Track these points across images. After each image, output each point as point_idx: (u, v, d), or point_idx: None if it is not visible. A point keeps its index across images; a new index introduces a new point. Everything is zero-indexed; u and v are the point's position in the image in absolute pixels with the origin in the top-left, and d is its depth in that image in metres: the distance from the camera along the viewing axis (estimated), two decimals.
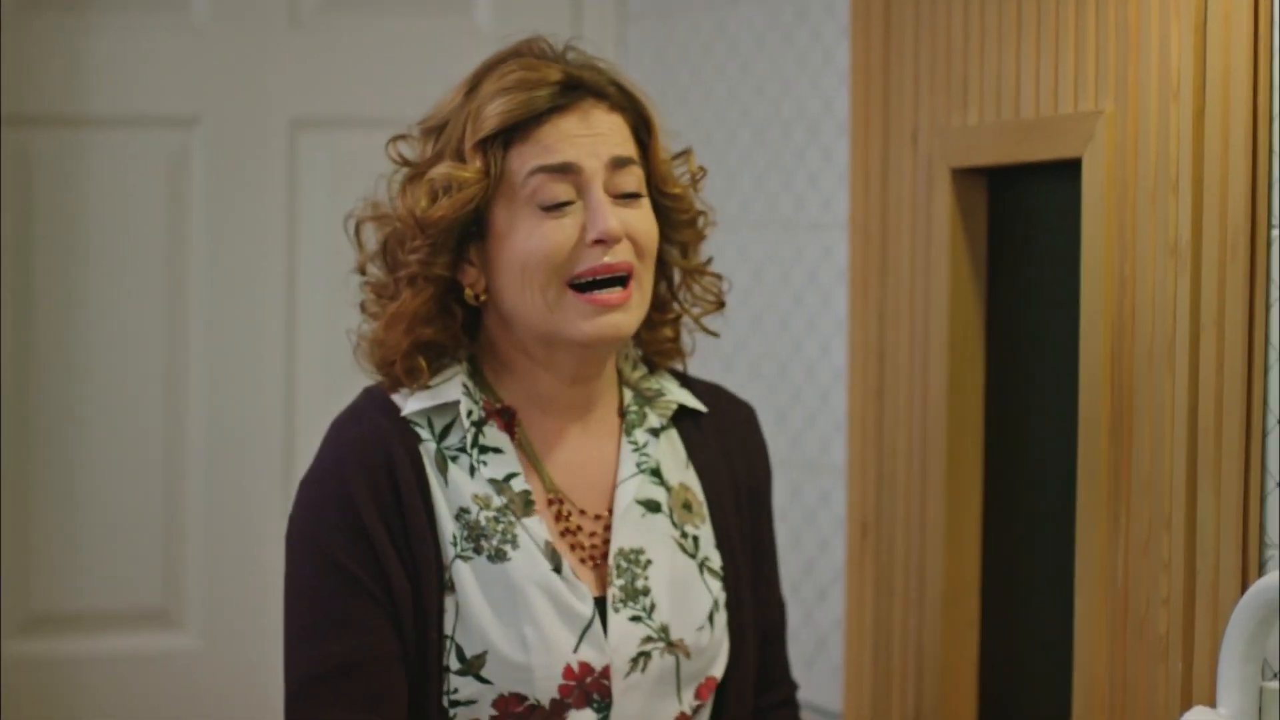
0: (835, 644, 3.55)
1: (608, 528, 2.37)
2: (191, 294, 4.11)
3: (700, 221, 2.45)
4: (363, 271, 2.41)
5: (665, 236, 2.39)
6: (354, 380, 4.08)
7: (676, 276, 2.47)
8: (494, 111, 2.27)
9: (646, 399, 2.47)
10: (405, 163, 2.38)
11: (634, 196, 2.31)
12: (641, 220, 2.31)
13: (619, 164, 2.29)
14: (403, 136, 2.41)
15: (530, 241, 2.26)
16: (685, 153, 2.46)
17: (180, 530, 4.12)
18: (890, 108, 3.25)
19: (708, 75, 3.93)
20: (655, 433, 2.44)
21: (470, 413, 2.32)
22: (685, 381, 2.56)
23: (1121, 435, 2.64)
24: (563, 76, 2.30)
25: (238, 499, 4.14)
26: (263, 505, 4.13)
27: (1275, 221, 2.40)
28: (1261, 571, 2.43)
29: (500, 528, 2.29)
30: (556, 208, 2.26)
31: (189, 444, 4.11)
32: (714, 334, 2.52)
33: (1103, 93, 2.66)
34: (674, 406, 2.48)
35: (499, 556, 2.28)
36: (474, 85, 2.34)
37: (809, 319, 3.63)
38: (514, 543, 2.29)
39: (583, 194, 2.27)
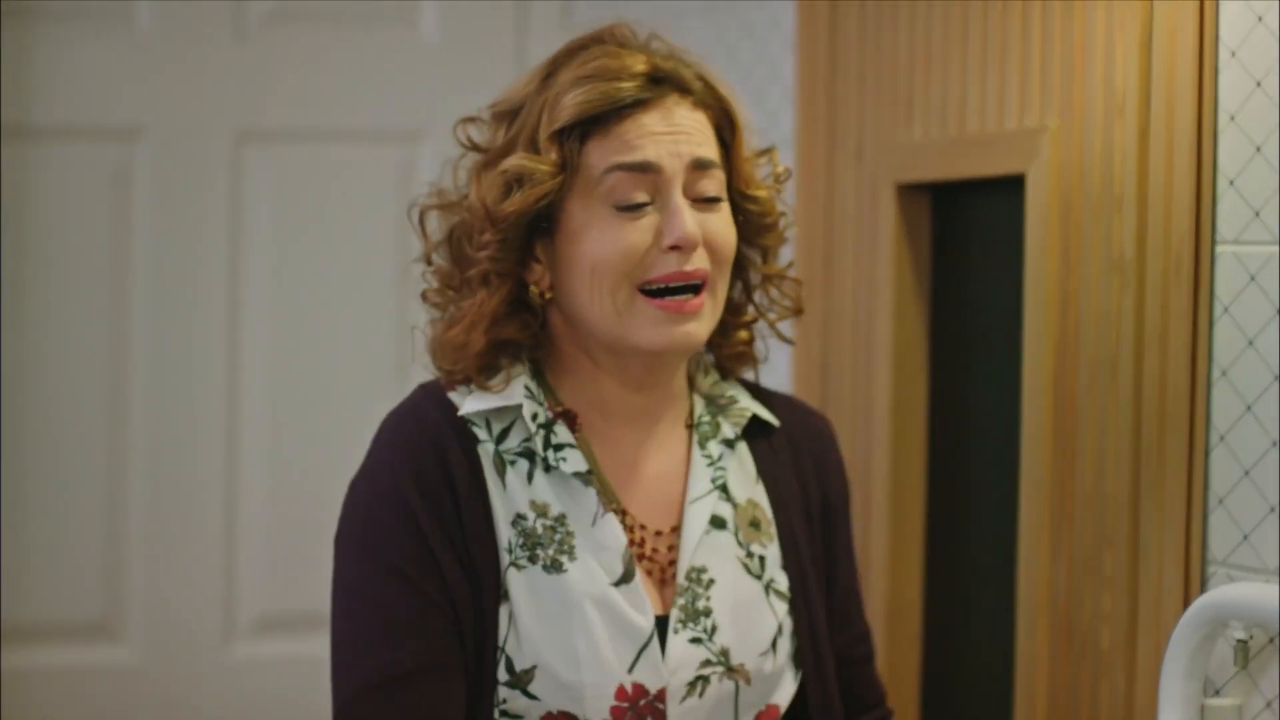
0: None
1: (671, 546, 2.20)
2: (134, 306, 4.04)
3: (781, 224, 2.30)
4: (428, 261, 2.25)
5: (744, 239, 2.25)
6: (298, 393, 4.06)
7: (754, 279, 2.32)
8: (572, 101, 2.11)
9: (719, 408, 2.32)
10: (474, 147, 2.22)
11: (714, 201, 2.15)
12: (720, 226, 2.16)
13: (700, 166, 2.14)
14: (472, 119, 2.23)
15: (603, 242, 2.10)
16: (768, 151, 2.30)
17: (121, 542, 4.03)
18: (835, 123, 3.23)
19: None
20: (729, 444, 2.28)
21: (535, 415, 2.16)
22: (757, 391, 2.40)
23: (1064, 451, 2.62)
24: (647, 68, 2.15)
25: (180, 510, 4.07)
26: (205, 517, 4.06)
27: (1219, 238, 2.38)
28: (1204, 588, 2.40)
29: (557, 537, 2.13)
30: (632, 208, 2.11)
31: (132, 456, 4.05)
32: (789, 340, 2.37)
33: (1047, 109, 2.64)
34: (747, 416, 2.30)
35: (554, 567, 2.11)
36: (552, 70, 2.17)
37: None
38: (571, 554, 2.12)
39: (660, 195, 2.11)
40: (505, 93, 2.20)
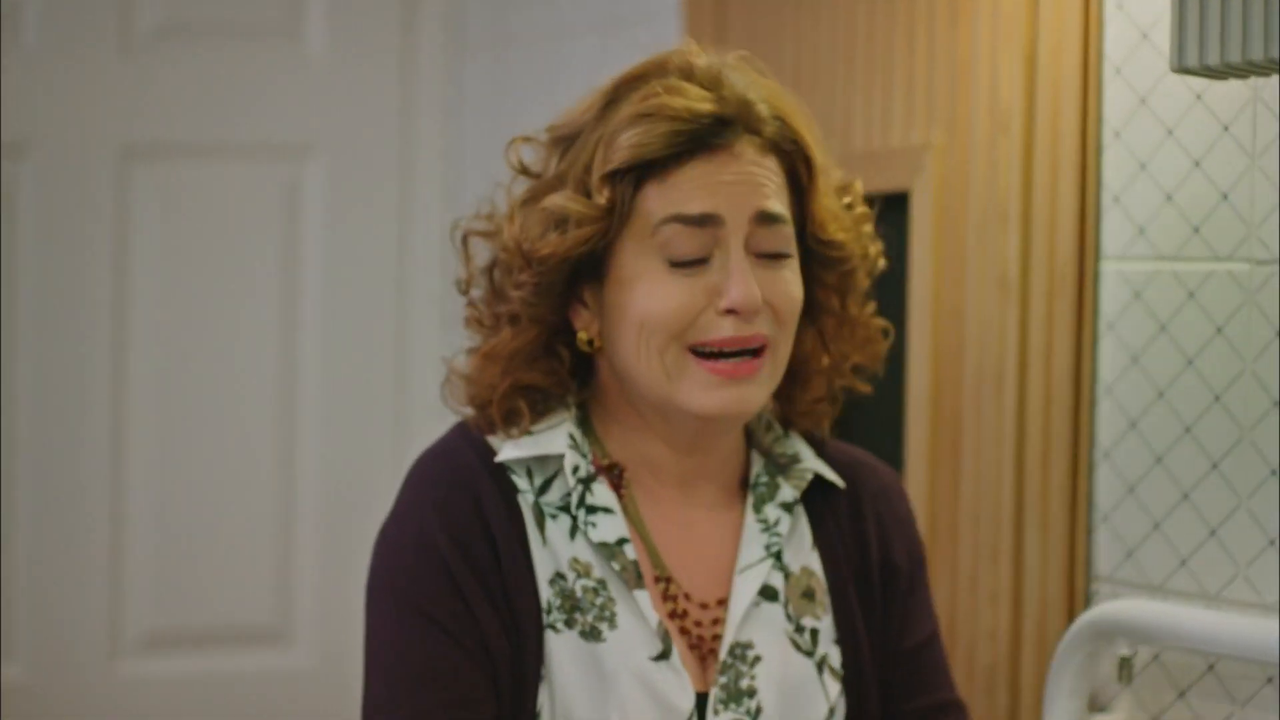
0: None
1: (717, 620, 1.95)
2: (18, 324, 3.90)
3: (862, 269, 2.01)
4: (465, 290, 2.01)
5: (819, 282, 1.97)
6: (184, 410, 3.96)
7: (830, 327, 2.02)
8: (628, 142, 1.85)
9: (779, 467, 2.03)
10: (524, 171, 1.97)
11: (780, 257, 1.88)
12: (785, 286, 1.88)
13: (767, 220, 1.86)
14: (528, 139, 1.99)
15: (653, 299, 1.85)
16: (849, 186, 2.03)
17: (5, 559, 3.92)
18: None
19: (544, 108, 3.79)
20: (788, 508, 2.00)
21: (576, 468, 1.92)
22: (820, 446, 2.10)
23: (948, 467, 2.57)
24: (714, 108, 1.86)
25: (66, 528, 3.95)
26: (90, 534, 3.94)
27: (1103, 255, 2.34)
28: (1088, 605, 2.37)
29: (599, 602, 1.90)
30: (688, 265, 1.85)
31: (17, 475, 3.93)
32: (866, 389, 2.08)
33: (932, 125, 2.60)
34: (809, 478, 2.02)
35: (593, 635, 1.89)
36: (613, 98, 1.91)
37: None
38: (612, 621, 1.90)
39: (720, 250, 1.85)
40: (564, 115, 1.96)
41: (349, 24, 4.04)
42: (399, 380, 4.05)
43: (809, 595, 1.99)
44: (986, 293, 2.50)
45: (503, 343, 1.93)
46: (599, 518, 1.92)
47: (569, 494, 1.92)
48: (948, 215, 2.58)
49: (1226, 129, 2.17)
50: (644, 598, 1.90)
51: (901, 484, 2.14)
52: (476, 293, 2.00)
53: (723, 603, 1.95)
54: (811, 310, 1.97)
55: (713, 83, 1.89)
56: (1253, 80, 2.12)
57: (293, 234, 3.98)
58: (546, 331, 1.93)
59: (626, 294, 1.88)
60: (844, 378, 2.06)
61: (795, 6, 2.91)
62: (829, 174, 1.96)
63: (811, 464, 2.03)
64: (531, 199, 1.93)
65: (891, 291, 2.75)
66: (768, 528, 1.98)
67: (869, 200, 2.03)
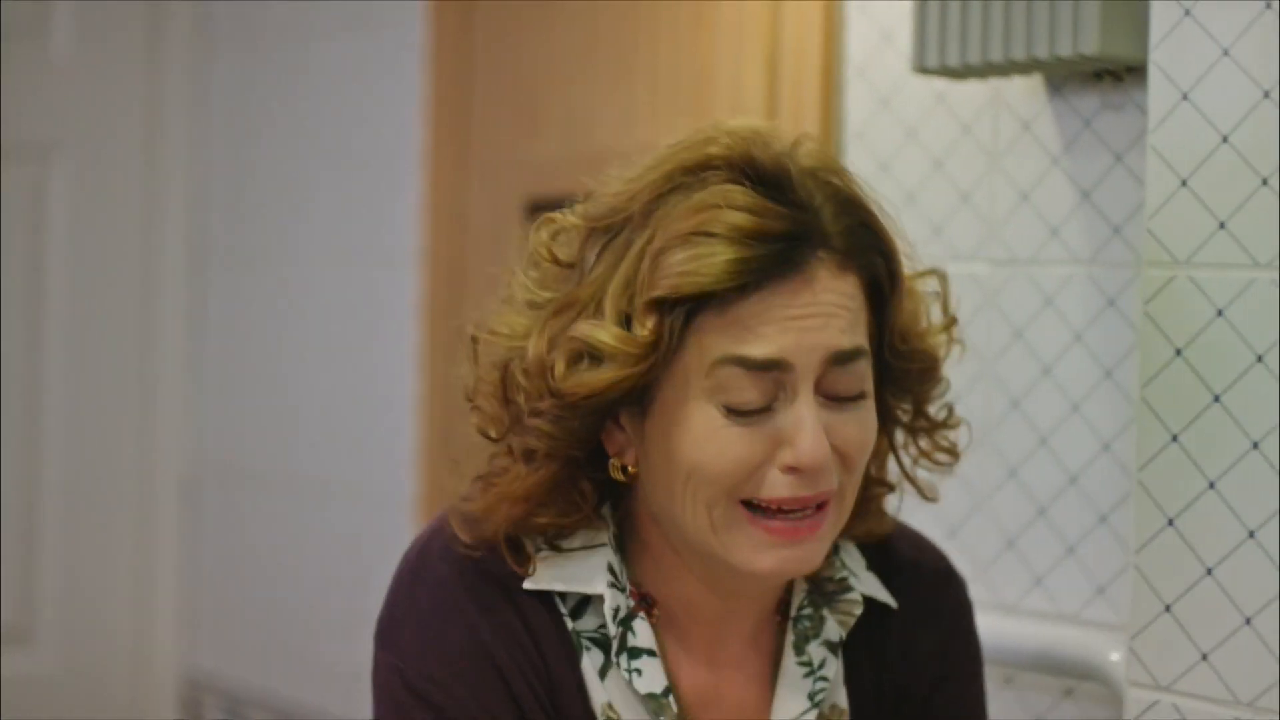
0: None
1: None
2: None
3: (941, 367, 1.61)
4: (472, 397, 1.60)
5: (892, 387, 1.59)
6: None
7: (900, 437, 1.64)
8: (681, 267, 1.42)
9: (825, 596, 1.64)
10: (555, 260, 1.52)
11: (855, 400, 1.49)
12: (859, 430, 1.50)
13: (843, 360, 1.46)
14: (554, 221, 1.54)
15: (705, 449, 1.47)
16: (930, 273, 1.61)
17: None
18: (468, 140, 3.06)
19: (291, 106, 3.66)
20: (834, 649, 1.61)
21: (617, 610, 1.55)
22: (876, 553, 1.69)
23: None
24: (784, 226, 1.44)
25: None
26: None
27: None
28: None
29: None
30: (746, 414, 1.45)
31: None
32: (932, 499, 1.66)
33: (675, 124, 2.48)
34: (857, 613, 1.61)
35: None
36: (666, 188, 1.47)
37: (382, 352, 3.39)
38: None
39: (784, 395, 1.46)
40: (604, 198, 1.52)
41: (96, 24, 3.83)
42: (143, 382, 3.85)
43: None
44: None
45: (514, 481, 1.53)
46: (643, 663, 1.55)
47: (603, 627, 1.55)
48: None
49: (967, 130, 2.09)
50: None
51: (964, 593, 1.70)
52: (483, 398, 1.59)
53: None
54: (883, 414, 1.57)
55: (781, 184, 1.46)
56: (993, 81, 2.05)
57: (37, 235, 3.77)
58: (569, 466, 1.53)
59: (673, 435, 1.48)
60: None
61: (539, 7, 2.80)
62: (912, 270, 1.56)
63: (863, 585, 1.62)
64: (562, 310, 1.49)
65: None
66: (811, 672, 1.60)
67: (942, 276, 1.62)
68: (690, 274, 1.42)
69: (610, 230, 1.49)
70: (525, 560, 1.53)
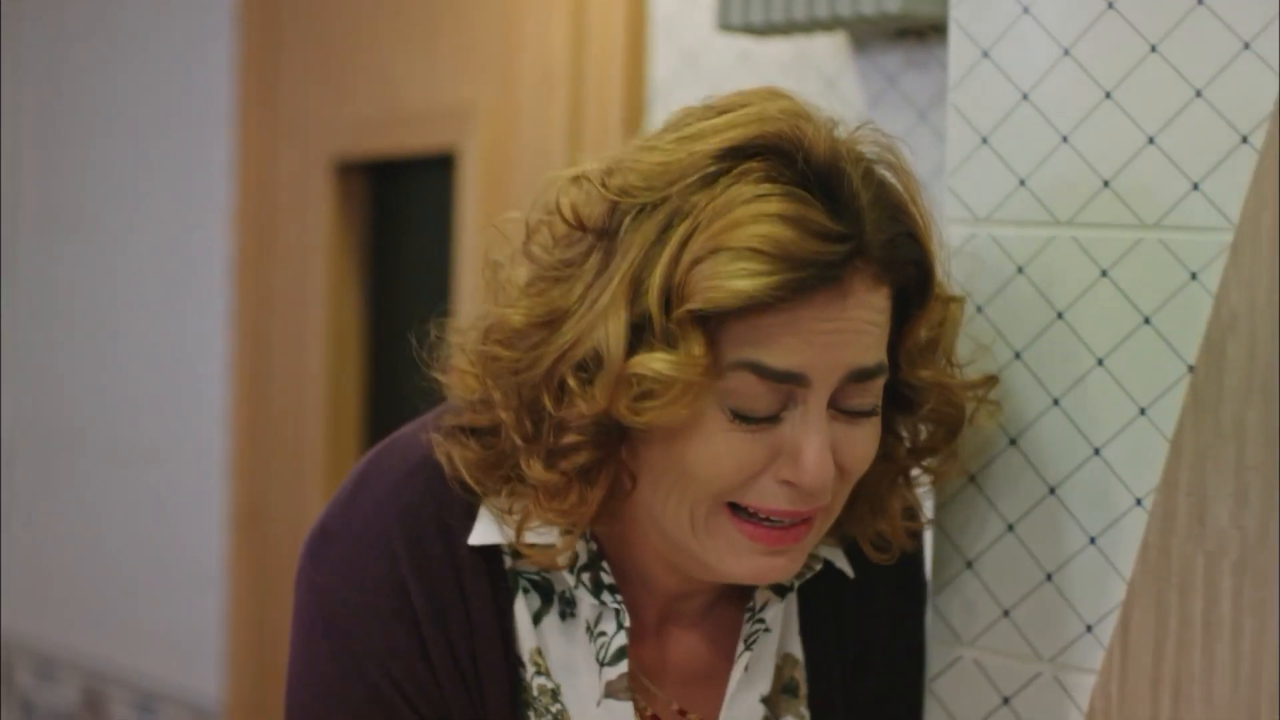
0: (216, 637, 3.21)
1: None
2: None
3: (961, 424, 1.43)
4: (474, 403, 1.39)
5: (903, 412, 1.42)
6: None
7: (903, 455, 1.46)
8: (719, 283, 1.27)
9: None
10: (580, 226, 1.32)
11: (867, 415, 1.35)
12: (863, 446, 1.36)
13: (862, 377, 1.32)
14: (580, 178, 1.33)
15: (704, 454, 1.33)
16: (955, 301, 1.41)
17: None
18: (277, 99, 2.96)
19: (101, 66, 3.53)
20: (781, 592, 1.48)
21: (576, 557, 1.41)
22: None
23: None
24: (834, 246, 1.28)
25: None
26: None
27: None
28: None
29: (555, 709, 1.44)
30: (754, 421, 1.32)
31: None
32: (884, 557, 1.46)
33: (481, 85, 2.42)
34: (817, 567, 1.47)
35: None
36: (709, 170, 1.30)
37: (193, 312, 3.29)
38: None
39: (795, 407, 1.32)
40: (633, 166, 1.32)
41: None
42: None
43: (790, 690, 1.51)
44: None
45: (579, 503, 1.35)
46: (611, 597, 1.42)
47: (546, 571, 1.42)
48: (494, 175, 2.40)
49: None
50: (621, 709, 1.43)
51: (919, 558, 1.54)
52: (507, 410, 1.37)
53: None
54: (881, 449, 1.41)
55: (831, 182, 1.30)
56: (797, 39, 1.99)
57: None
58: (621, 463, 1.36)
59: (673, 433, 1.34)
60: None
61: None
62: (940, 289, 1.39)
63: (824, 551, 1.48)
64: (619, 314, 1.29)
65: (442, 252, 2.60)
66: (752, 615, 1.47)
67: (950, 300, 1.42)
68: (729, 290, 1.26)
69: (645, 207, 1.31)
70: (476, 500, 1.39)
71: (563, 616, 1.43)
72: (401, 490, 1.40)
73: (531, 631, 1.42)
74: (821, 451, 1.30)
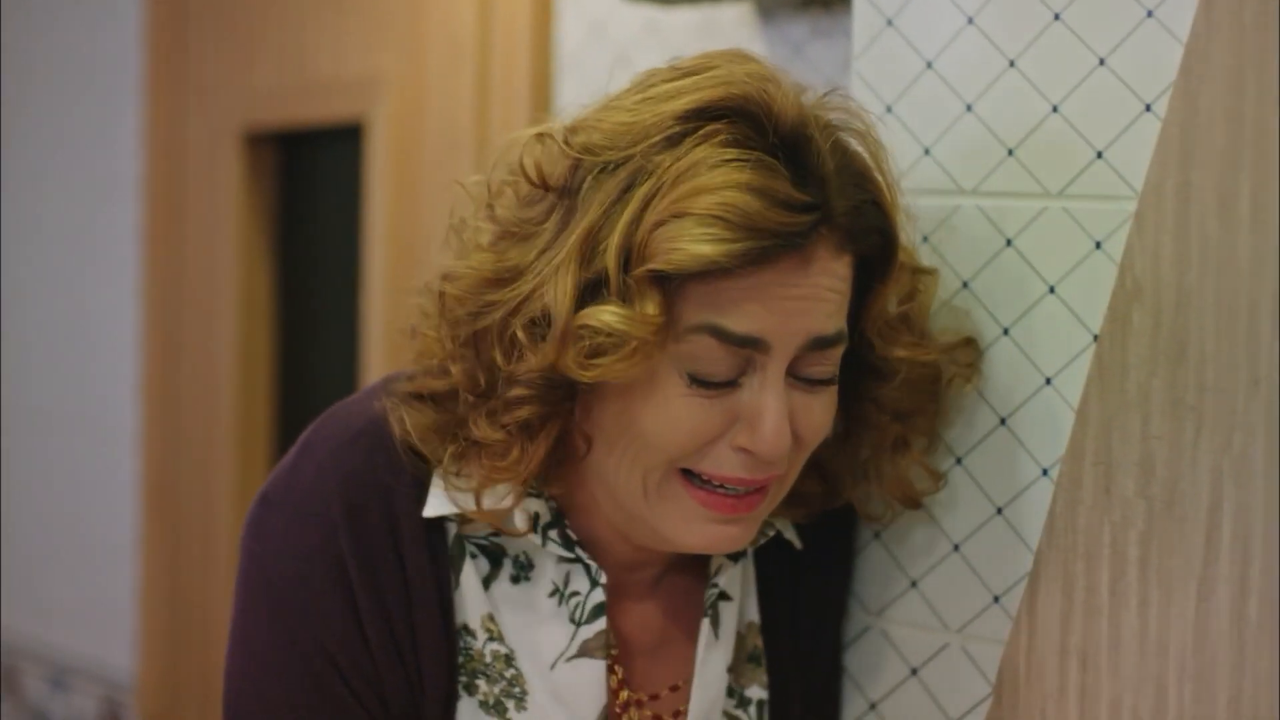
0: (128, 609, 3.16)
1: (655, 697, 1.44)
2: None
3: (943, 379, 1.38)
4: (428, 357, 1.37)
5: (863, 390, 1.38)
6: None
7: (871, 438, 1.42)
8: (682, 246, 1.23)
9: None
10: (544, 184, 1.29)
11: (825, 383, 1.31)
12: (818, 416, 1.32)
13: (822, 345, 1.28)
14: (543, 135, 1.29)
15: (660, 418, 1.29)
16: (927, 273, 1.38)
17: None
18: (185, 69, 2.91)
19: (8, 34, 3.46)
20: (734, 557, 1.45)
21: (536, 515, 1.36)
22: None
23: None
24: (799, 216, 1.23)
25: None
26: None
27: None
28: None
29: (508, 674, 1.40)
30: (711, 386, 1.28)
31: None
32: (879, 522, 1.45)
33: (389, 54, 2.37)
34: (769, 534, 1.43)
35: (497, 710, 1.40)
36: (674, 132, 1.25)
37: (101, 283, 3.23)
38: (520, 700, 1.40)
39: (753, 374, 1.28)
40: (596, 125, 1.28)
41: None
42: None
43: (755, 659, 1.47)
44: (443, 226, 2.29)
45: (520, 460, 1.32)
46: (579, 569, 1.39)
47: (495, 535, 1.39)
48: (403, 145, 2.36)
49: (679, 57, 1.99)
50: (590, 668, 1.39)
51: (856, 522, 1.50)
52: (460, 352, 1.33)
53: (677, 690, 1.44)
54: (848, 419, 1.40)
55: (798, 150, 1.26)
56: (704, 8, 1.96)
57: None
58: (568, 419, 1.32)
59: (628, 396, 1.30)
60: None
61: None
62: (908, 260, 1.36)
63: (775, 521, 1.44)
64: (569, 256, 1.26)
65: (351, 222, 2.55)
66: (715, 585, 1.43)
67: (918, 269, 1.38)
68: (691, 254, 1.22)
69: (607, 166, 1.26)
70: (423, 468, 1.35)
71: (515, 580, 1.39)
72: (342, 457, 1.36)
73: (482, 597, 1.38)
74: (779, 419, 1.27)
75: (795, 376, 1.28)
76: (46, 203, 3.35)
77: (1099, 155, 1.24)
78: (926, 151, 1.36)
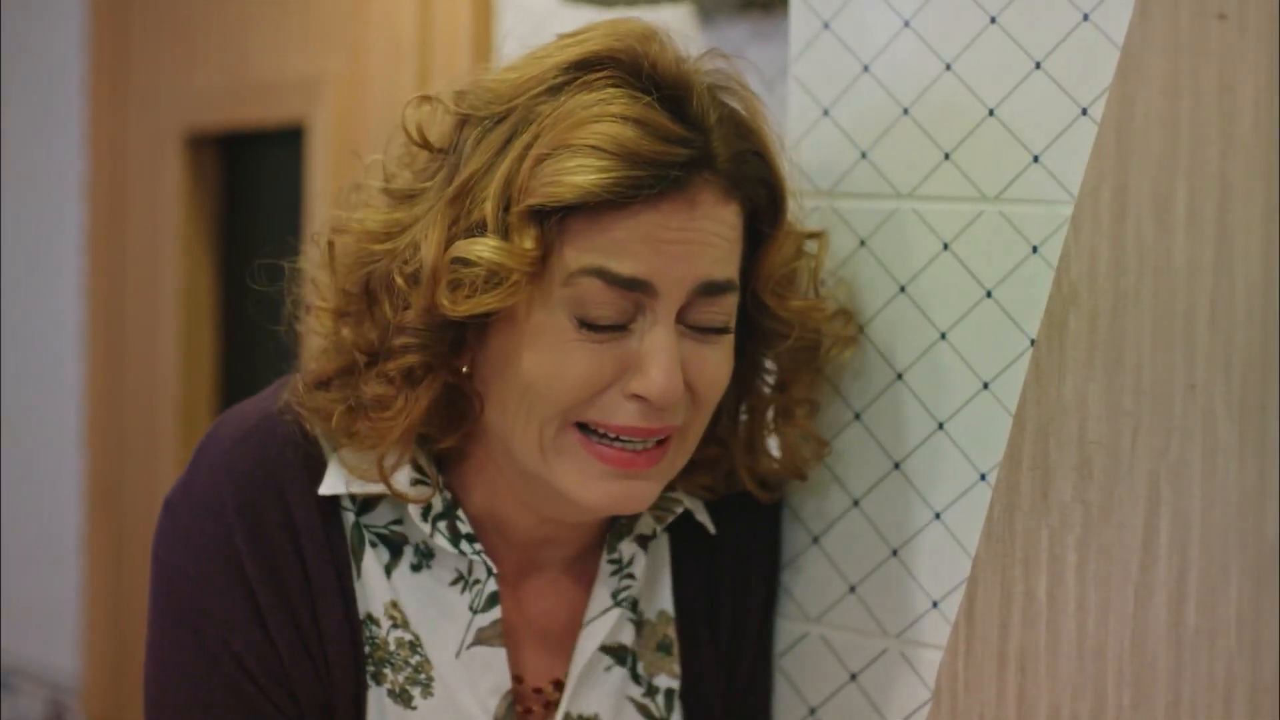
0: (72, 610, 3.12)
1: (557, 683, 1.41)
2: None
3: (823, 345, 1.38)
4: (319, 312, 1.36)
5: (753, 354, 1.38)
6: None
7: (759, 407, 1.41)
8: (569, 178, 1.22)
9: None
10: (425, 145, 1.30)
11: (717, 332, 1.29)
12: (713, 367, 1.30)
13: (710, 290, 1.27)
14: (429, 98, 1.31)
15: (548, 363, 1.26)
16: (815, 235, 1.37)
17: None
18: (127, 71, 2.88)
19: None
20: (644, 541, 1.42)
21: (430, 507, 1.35)
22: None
23: None
24: (678, 150, 1.24)
25: None
26: None
27: None
28: None
29: (414, 661, 1.37)
30: (599, 330, 1.25)
31: None
32: (770, 495, 1.42)
33: (330, 55, 2.34)
34: (678, 510, 1.40)
35: (402, 699, 1.37)
36: (555, 83, 1.26)
37: (45, 285, 3.18)
38: (426, 687, 1.36)
39: (643, 319, 1.26)
40: (482, 84, 1.29)
41: None
42: None
43: (665, 648, 1.44)
44: None
45: (402, 410, 1.29)
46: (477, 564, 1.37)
47: (398, 522, 1.37)
48: (346, 146, 2.34)
49: None
50: (490, 656, 1.37)
51: (780, 510, 1.47)
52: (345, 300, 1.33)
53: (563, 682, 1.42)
54: (743, 378, 1.38)
55: (678, 95, 1.26)
56: (643, 10, 1.93)
57: None
58: (454, 374, 1.30)
59: (517, 344, 1.28)
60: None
61: None
62: (795, 221, 1.35)
63: (686, 504, 1.41)
64: (446, 206, 1.26)
65: (290, 224, 2.53)
66: (620, 569, 1.41)
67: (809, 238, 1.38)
68: (568, 185, 1.22)
69: (490, 120, 1.27)
70: (318, 455, 1.33)
71: (415, 568, 1.37)
72: (234, 457, 1.34)
73: (385, 585, 1.36)
74: (670, 361, 1.25)
75: (687, 325, 1.27)
76: None
77: (1035, 159, 1.23)
78: (863, 155, 1.34)
